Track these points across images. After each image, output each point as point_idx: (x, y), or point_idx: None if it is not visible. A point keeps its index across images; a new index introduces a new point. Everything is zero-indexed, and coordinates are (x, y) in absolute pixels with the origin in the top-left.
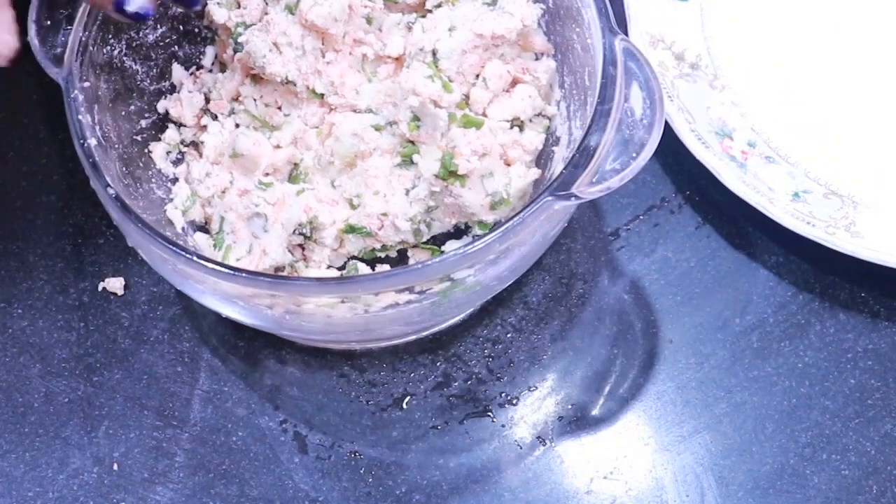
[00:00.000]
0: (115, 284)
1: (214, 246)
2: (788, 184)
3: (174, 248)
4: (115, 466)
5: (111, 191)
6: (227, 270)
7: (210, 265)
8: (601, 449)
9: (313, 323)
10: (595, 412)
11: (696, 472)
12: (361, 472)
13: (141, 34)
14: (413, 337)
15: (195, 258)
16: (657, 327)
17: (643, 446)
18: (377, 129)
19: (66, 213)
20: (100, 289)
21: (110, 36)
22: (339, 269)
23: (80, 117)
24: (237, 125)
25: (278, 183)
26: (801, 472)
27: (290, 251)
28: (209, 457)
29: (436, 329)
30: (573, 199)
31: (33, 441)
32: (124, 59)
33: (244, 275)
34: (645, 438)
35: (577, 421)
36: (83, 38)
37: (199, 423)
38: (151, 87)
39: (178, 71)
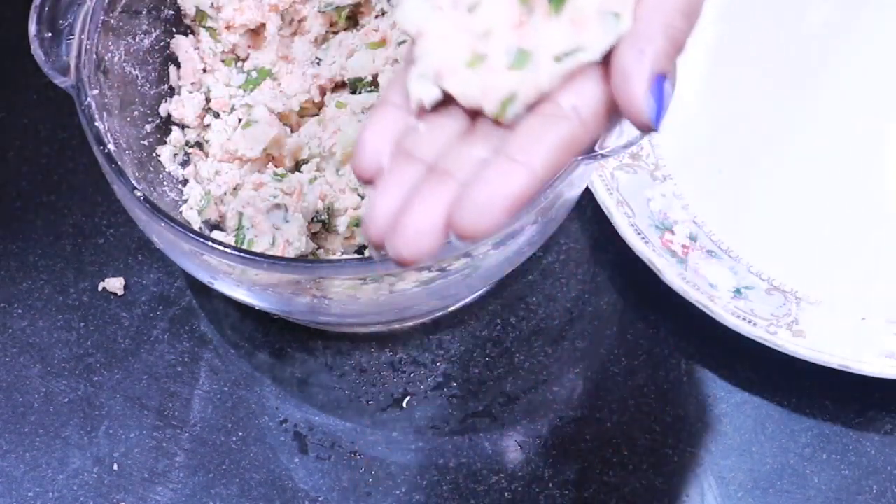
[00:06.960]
0: (115, 284)
1: (236, 242)
2: (730, 279)
3: (211, 244)
4: (115, 466)
5: (138, 193)
6: (266, 260)
7: (251, 257)
8: (601, 449)
9: (342, 306)
10: (595, 412)
11: (696, 472)
12: (361, 471)
13: (137, 39)
14: (422, 320)
15: (233, 252)
16: (657, 327)
17: (643, 446)
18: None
19: (66, 213)
20: (100, 289)
21: (110, 43)
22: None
23: (96, 124)
24: (239, 120)
25: (290, 173)
26: (801, 472)
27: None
28: (209, 457)
29: (441, 326)
30: (599, 157)
31: (33, 441)
32: (124, 65)
33: (282, 262)
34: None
35: (576, 421)
36: (88, 47)
37: (199, 423)
38: (151, 92)
39: (174, 73)
